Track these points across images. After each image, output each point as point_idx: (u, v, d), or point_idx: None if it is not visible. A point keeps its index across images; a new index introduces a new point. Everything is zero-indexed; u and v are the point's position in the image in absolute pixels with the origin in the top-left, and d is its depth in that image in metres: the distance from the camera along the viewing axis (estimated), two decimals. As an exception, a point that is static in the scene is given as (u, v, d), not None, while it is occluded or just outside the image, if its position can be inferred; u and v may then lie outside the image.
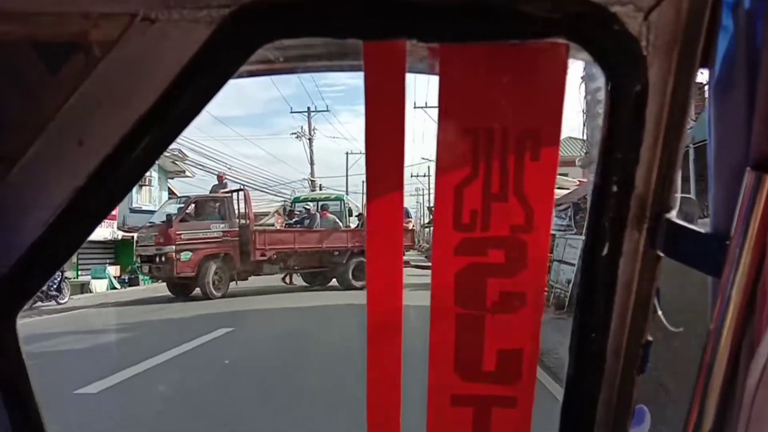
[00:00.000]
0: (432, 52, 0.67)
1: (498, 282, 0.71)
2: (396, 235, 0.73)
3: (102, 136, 0.63)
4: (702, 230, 0.60)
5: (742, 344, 0.54)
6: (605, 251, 0.66)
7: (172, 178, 20.62)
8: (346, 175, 30.71)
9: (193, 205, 12.91)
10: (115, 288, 15.93)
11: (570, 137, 24.89)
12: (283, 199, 18.15)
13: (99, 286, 15.34)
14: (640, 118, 0.62)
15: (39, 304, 11.54)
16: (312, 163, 27.58)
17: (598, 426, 0.71)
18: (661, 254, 0.64)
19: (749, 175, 0.51)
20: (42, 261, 0.67)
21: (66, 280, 12.73)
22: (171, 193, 13.43)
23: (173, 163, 18.48)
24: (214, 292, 12.20)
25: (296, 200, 17.57)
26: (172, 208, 12.79)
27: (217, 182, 14.70)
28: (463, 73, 0.66)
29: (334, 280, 14.08)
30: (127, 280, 16.68)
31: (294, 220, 15.27)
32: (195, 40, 0.61)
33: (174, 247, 11.94)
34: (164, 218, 12.32)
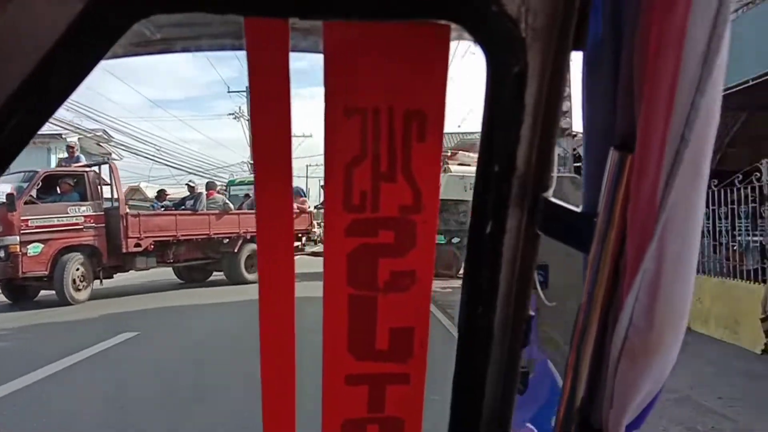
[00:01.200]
0: (315, 30, 0.76)
1: (389, 262, 0.82)
2: (287, 221, 0.82)
3: None
4: (575, 209, 0.75)
5: (609, 316, 0.68)
6: (489, 229, 0.79)
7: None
8: (288, 158, 32.57)
9: (41, 182, 11.65)
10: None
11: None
12: (220, 183, 18.66)
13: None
14: (520, 100, 0.75)
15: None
16: (251, 146, 29.23)
17: (488, 398, 0.86)
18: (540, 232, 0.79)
19: (613, 154, 0.65)
20: None
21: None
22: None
23: (98, 145, 17.85)
24: (75, 295, 11.37)
25: (231, 183, 17.37)
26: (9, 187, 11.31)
27: (66, 155, 13.64)
28: (348, 51, 0.75)
29: (215, 273, 13.82)
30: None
31: (164, 201, 14.70)
32: (62, 15, 0.65)
33: (18, 237, 10.82)
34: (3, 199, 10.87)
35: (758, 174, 7.33)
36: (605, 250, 0.66)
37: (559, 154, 10.53)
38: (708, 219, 8.30)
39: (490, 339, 0.84)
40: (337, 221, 0.81)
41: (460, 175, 13.44)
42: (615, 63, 0.65)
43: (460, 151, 16.67)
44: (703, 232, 8.42)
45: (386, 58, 0.76)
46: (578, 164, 11.11)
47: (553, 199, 0.77)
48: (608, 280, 0.66)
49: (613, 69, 0.66)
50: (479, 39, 0.74)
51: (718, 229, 8.23)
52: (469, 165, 13.93)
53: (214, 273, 14.64)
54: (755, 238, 7.84)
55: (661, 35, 0.56)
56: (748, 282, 7.66)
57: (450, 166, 14.52)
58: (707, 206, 8.21)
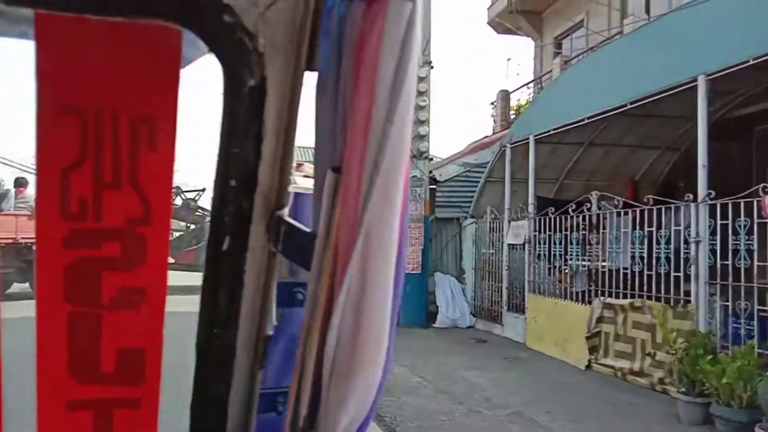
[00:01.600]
0: (27, 17, 0.72)
1: (115, 277, 0.80)
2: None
3: None
4: (305, 228, 0.77)
5: (325, 335, 0.71)
6: (226, 246, 0.79)
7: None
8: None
9: None
10: None
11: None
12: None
13: None
14: (259, 115, 0.76)
15: None
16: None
17: (230, 422, 0.85)
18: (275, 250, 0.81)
19: (330, 175, 0.69)
20: None
21: None
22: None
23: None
24: None
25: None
26: None
27: None
28: (65, 45, 0.72)
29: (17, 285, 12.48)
30: None
31: None
32: None
33: None
34: None
35: (588, 204, 8.23)
36: (322, 269, 0.69)
37: (416, 176, 10.96)
38: (545, 243, 9.16)
39: (231, 359, 0.84)
40: (52, 230, 0.77)
41: (306, 187, 13.61)
42: (336, 88, 0.69)
43: (306, 164, 16.82)
44: (540, 255, 9.35)
45: (110, 57, 0.74)
46: (433, 186, 11.67)
47: (287, 218, 0.79)
48: (325, 299, 0.69)
49: (335, 93, 0.70)
50: (213, 49, 0.74)
51: (553, 253, 9.07)
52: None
53: (15, 284, 13.06)
54: (584, 263, 8.73)
55: (360, 67, 0.60)
56: (576, 303, 8.52)
57: (296, 177, 14.64)
58: (545, 231, 9.08)
